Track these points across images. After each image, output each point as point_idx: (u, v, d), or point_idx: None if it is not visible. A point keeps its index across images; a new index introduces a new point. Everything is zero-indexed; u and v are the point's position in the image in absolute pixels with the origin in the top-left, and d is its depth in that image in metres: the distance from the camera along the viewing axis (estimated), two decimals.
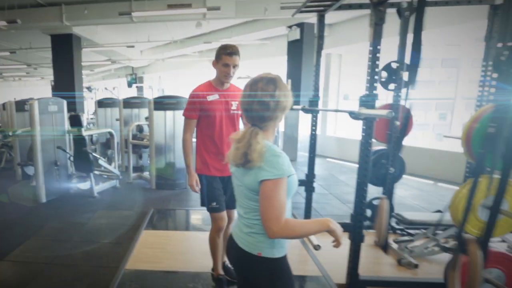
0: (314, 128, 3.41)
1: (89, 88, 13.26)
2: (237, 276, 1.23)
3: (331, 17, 7.54)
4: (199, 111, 2.08)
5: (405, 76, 3.02)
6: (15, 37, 8.92)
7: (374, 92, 2.23)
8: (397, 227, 3.09)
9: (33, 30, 7.41)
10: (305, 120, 6.75)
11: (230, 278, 2.25)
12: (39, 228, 3.35)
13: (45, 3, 6.71)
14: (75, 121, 4.19)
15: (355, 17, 6.96)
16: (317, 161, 7.40)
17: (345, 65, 8.35)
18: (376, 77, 2.21)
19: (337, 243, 1.11)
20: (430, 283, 2.24)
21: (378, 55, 2.21)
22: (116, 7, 6.26)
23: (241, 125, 2.13)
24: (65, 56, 7.64)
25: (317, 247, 2.34)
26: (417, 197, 4.59)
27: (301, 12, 3.22)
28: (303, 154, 7.46)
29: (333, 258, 2.61)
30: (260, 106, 1.08)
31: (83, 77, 17.98)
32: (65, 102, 4.48)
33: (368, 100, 2.22)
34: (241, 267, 1.19)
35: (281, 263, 1.14)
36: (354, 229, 2.26)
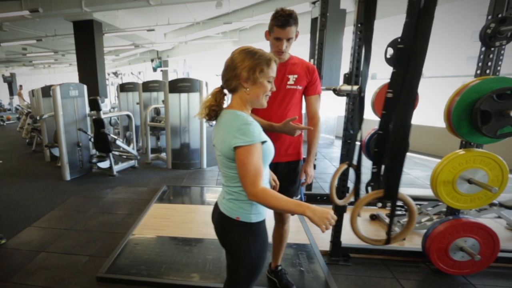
0: None
1: (115, 73, 14.20)
2: (219, 240, 1.38)
3: None
4: None
5: None
6: (40, 25, 9.75)
7: (356, 69, 2.47)
8: (398, 203, 3.32)
9: (57, 17, 8.11)
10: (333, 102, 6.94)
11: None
12: (62, 202, 3.95)
13: None
14: (94, 104, 4.75)
15: None
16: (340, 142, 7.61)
17: (375, 42, 8.31)
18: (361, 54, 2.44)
19: (321, 229, 1.10)
20: (406, 251, 2.52)
21: (360, 33, 2.43)
22: None
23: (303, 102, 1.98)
24: (87, 41, 8.35)
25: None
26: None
27: None
28: (324, 136, 7.67)
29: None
30: (226, 62, 1.27)
31: (110, 62, 19.18)
32: (85, 87, 5.06)
33: (350, 77, 2.48)
34: (221, 230, 1.35)
35: (257, 227, 1.30)
36: None
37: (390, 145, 1.50)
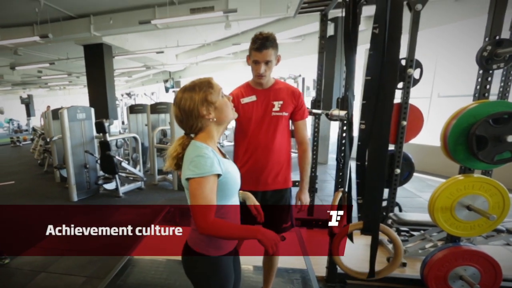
0: (316, 130, 3.72)
1: (129, 94, 14.63)
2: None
3: (370, 8, 7.67)
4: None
5: (416, 73, 3.25)
6: (53, 49, 10.21)
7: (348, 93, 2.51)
8: (402, 228, 3.30)
9: (68, 41, 8.48)
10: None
11: None
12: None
13: (75, 15, 7.62)
14: (100, 127, 4.94)
15: None
16: (353, 164, 7.63)
17: None
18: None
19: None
20: (404, 278, 2.50)
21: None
22: (139, 15, 6.95)
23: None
24: (97, 64, 8.66)
25: (282, 238, 2.69)
26: None
27: (301, 13, 3.55)
28: (333, 156, 7.68)
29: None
30: (175, 116, 1.27)
31: (123, 83, 19.72)
32: (92, 110, 5.26)
33: (343, 102, 2.53)
34: (184, 259, 1.38)
35: (217, 261, 1.31)
36: None
37: (367, 177, 1.52)
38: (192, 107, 1.22)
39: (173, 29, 7.99)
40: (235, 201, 1.36)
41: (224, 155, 1.35)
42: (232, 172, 1.28)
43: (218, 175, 1.20)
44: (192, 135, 1.30)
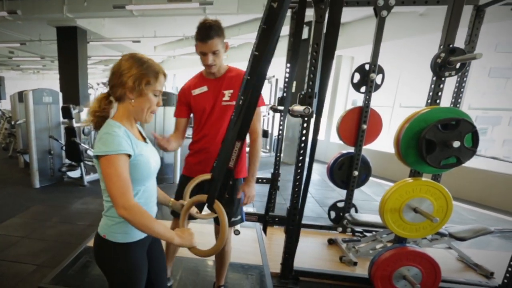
0: (281, 128, 3.69)
1: (105, 84, 14.21)
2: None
3: (343, 15, 7.71)
4: (188, 109, 1.92)
5: (378, 79, 3.28)
6: (26, 29, 9.58)
7: (310, 90, 2.50)
8: (357, 229, 3.36)
9: (40, 21, 7.99)
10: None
11: None
12: (25, 209, 3.90)
13: None
14: (66, 112, 4.73)
15: (370, 15, 6.66)
16: (317, 166, 7.73)
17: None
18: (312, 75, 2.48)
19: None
20: (354, 277, 2.55)
21: (315, 53, 2.45)
22: None
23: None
24: (70, 48, 8.22)
25: (236, 232, 2.65)
26: None
27: None
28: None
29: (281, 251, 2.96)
30: (113, 67, 1.20)
31: (100, 72, 19.10)
32: (60, 94, 5.05)
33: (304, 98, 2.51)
34: (94, 247, 1.28)
35: (125, 249, 1.22)
36: (288, 224, 2.55)
37: (219, 154, 1.50)
38: (125, 73, 1.15)
39: (150, 18, 7.73)
40: (147, 188, 1.26)
41: (144, 139, 1.29)
42: (146, 156, 1.19)
43: (129, 156, 1.12)
44: (112, 99, 1.22)
